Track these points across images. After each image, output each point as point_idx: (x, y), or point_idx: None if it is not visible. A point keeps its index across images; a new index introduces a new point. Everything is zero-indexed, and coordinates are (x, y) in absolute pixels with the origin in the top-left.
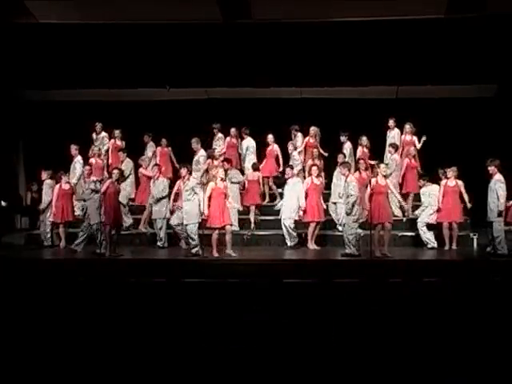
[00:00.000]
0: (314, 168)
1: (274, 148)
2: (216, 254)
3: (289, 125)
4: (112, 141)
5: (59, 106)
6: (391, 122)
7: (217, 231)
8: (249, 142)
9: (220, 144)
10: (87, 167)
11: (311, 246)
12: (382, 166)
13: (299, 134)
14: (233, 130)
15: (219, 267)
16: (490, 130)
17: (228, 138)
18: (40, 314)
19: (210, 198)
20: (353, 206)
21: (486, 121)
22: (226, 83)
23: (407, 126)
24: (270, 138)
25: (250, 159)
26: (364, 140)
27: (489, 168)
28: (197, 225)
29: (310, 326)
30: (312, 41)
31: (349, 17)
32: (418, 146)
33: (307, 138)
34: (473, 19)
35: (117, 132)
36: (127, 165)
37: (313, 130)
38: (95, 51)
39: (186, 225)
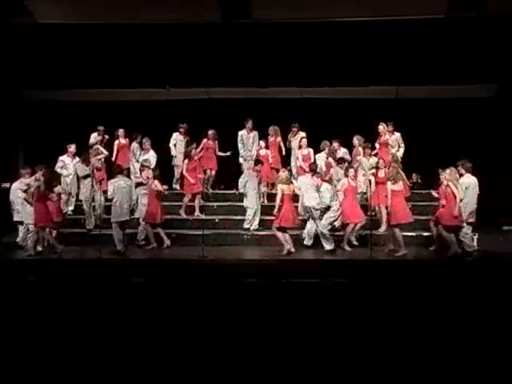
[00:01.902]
0: (351, 170)
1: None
2: (283, 252)
3: (289, 125)
4: (117, 140)
5: (59, 106)
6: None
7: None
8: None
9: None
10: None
11: (346, 247)
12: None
13: (301, 133)
14: (210, 133)
15: (219, 267)
16: (491, 130)
17: (205, 140)
18: (39, 314)
19: (281, 200)
20: (327, 210)
21: (486, 121)
22: (225, 83)
23: (380, 127)
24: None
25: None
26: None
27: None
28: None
29: (310, 327)
30: (312, 41)
31: (349, 17)
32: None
33: (271, 138)
34: (473, 19)
35: (120, 131)
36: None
37: (271, 129)
38: (95, 51)
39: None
